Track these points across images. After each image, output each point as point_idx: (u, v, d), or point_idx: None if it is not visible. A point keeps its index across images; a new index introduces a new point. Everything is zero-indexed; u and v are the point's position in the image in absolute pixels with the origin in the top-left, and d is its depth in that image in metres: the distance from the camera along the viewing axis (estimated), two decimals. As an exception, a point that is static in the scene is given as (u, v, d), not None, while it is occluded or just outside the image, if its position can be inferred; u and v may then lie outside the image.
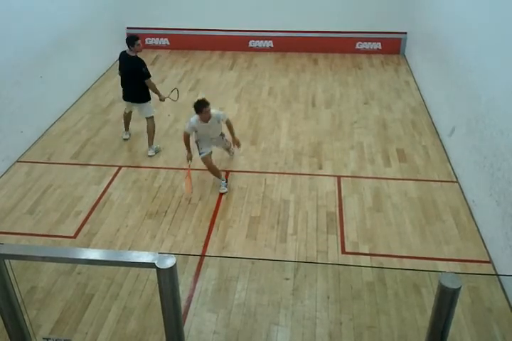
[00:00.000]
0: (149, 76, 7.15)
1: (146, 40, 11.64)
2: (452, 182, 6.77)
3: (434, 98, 8.48)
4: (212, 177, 6.75)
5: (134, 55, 7.12)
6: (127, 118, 7.85)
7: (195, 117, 6.30)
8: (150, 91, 7.29)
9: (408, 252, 5.58)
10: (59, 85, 8.51)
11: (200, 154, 6.56)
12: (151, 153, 7.42)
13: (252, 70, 10.58)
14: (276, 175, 7.00)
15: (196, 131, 6.46)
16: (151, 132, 7.43)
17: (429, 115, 8.51)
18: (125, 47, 7.24)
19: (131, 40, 7.13)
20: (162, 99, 7.51)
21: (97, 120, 8.56)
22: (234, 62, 10.99)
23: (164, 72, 10.46)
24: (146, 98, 7.34)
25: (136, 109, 7.58)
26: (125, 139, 7.88)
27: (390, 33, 11.04)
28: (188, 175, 6.44)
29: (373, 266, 5.41)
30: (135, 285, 5.16)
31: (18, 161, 7.38)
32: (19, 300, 2.28)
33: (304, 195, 6.57)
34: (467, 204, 6.32)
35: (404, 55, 11.18)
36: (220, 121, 6.51)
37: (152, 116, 7.45)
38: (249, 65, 10.88)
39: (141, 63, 7.07)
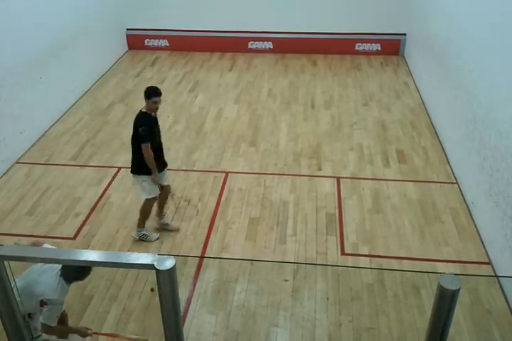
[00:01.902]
0: (146, 140, 5.28)
1: (146, 41, 11.65)
2: (451, 183, 6.77)
3: (434, 99, 8.49)
4: (212, 177, 6.75)
5: (144, 110, 5.45)
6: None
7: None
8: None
9: (407, 253, 5.58)
10: (59, 86, 8.52)
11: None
12: (134, 235, 5.83)
13: (251, 71, 10.58)
14: (276, 176, 7.00)
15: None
16: (141, 212, 5.76)
17: (429, 116, 8.52)
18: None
19: (149, 92, 5.32)
20: (154, 181, 5.50)
21: (96, 121, 8.56)
22: (233, 64, 11.00)
23: (164, 73, 10.47)
24: (142, 170, 5.45)
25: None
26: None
27: (390, 34, 11.05)
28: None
29: (373, 267, 5.41)
30: (134, 287, 5.15)
31: (17, 162, 7.38)
32: (18, 302, 2.27)
33: (303, 196, 6.57)
34: (466, 205, 6.32)
35: (404, 56, 11.18)
36: None
37: (149, 198, 5.65)
38: (248, 66, 10.88)
39: (140, 121, 5.36)
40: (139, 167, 5.44)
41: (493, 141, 5.62)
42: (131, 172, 5.58)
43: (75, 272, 3.85)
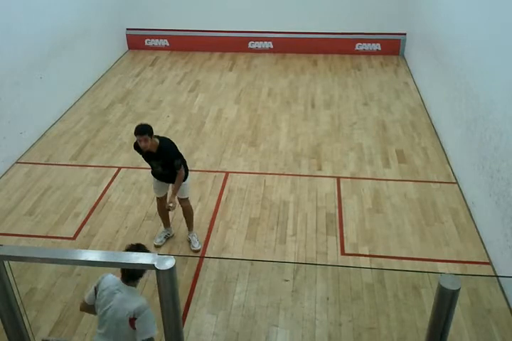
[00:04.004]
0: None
1: (146, 41, 11.65)
2: (452, 183, 6.77)
3: (434, 99, 8.49)
4: (212, 177, 6.74)
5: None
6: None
7: None
8: None
9: (407, 253, 5.58)
10: (58, 86, 8.52)
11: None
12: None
13: (251, 71, 10.58)
14: (276, 176, 7.00)
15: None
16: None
17: (429, 116, 8.52)
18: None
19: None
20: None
21: (96, 121, 8.56)
22: (233, 64, 10.99)
23: (164, 73, 10.47)
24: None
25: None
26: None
27: (390, 34, 11.05)
28: None
29: (373, 267, 5.41)
30: (134, 287, 5.15)
31: (17, 162, 7.38)
32: (18, 302, 2.27)
33: (303, 196, 6.57)
34: (466, 205, 6.32)
35: (404, 56, 11.18)
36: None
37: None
38: (248, 66, 10.88)
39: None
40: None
41: (493, 141, 5.62)
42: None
43: (132, 271, 3.46)
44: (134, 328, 3.43)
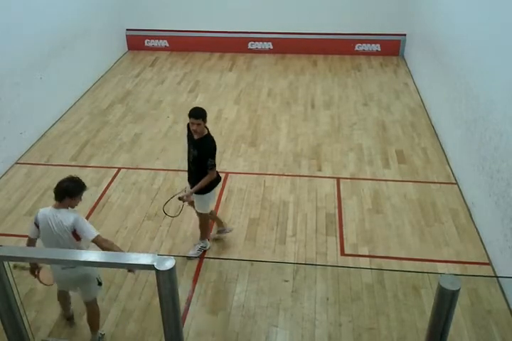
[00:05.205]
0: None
1: (146, 41, 11.66)
2: (451, 183, 6.77)
3: (433, 99, 8.49)
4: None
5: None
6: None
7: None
8: None
9: (407, 254, 5.58)
10: (58, 86, 8.52)
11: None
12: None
13: (251, 72, 10.58)
14: (276, 176, 7.00)
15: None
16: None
17: (428, 116, 8.52)
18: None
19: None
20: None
21: (96, 121, 8.56)
22: (233, 64, 11.00)
23: (164, 74, 10.47)
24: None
25: None
26: None
27: (389, 34, 11.06)
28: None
29: (372, 267, 5.41)
30: (134, 287, 5.15)
31: (17, 163, 7.38)
32: (18, 302, 2.27)
33: (303, 196, 6.57)
34: (466, 205, 6.32)
35: (404, 57, 11.19)
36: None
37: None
38: (248, 66, 10.89)
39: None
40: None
41: (493, 142, 5.62)
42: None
43: (60, 190, 4.04)
44: (79, 239, 4.04)
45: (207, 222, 5.59)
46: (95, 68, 10.17)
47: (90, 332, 4.53)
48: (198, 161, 5.06)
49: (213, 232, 5.88)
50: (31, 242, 4.17)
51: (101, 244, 4.00)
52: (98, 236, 4.01)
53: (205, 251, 5.64)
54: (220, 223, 5.83)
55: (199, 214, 5.47)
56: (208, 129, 5.09)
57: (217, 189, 5.80)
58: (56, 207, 4.07)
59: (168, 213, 5.39)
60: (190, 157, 5.17)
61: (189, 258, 5.54)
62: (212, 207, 5.58)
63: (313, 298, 5.01)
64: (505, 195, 5.18)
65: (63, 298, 4.67)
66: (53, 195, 4.08)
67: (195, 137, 5.01)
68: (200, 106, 5.19)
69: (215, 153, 5.09)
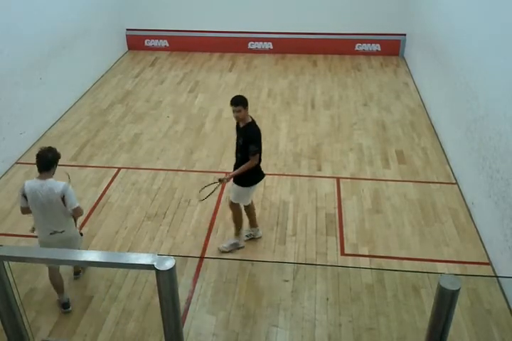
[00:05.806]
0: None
1: (146, 41, 11.66)
2: (451, 183, 6.77)
3: (433, 99, 8.49)
4: (212, 177, 6.74)
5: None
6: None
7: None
8: None
9: (407, 254, 5.58)
10: (58, 87, 8.51)
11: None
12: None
13: (251, 72, 10.58)
14: (276, 176, 6.99)
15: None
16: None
17: (428, 116, 8.52)
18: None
19: None
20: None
21: (96, 121, 8.56)
22: (233, 64, 11.00)
23: (163, 74, 10.47)
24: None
25: None
26: None
27: (389, 34, 11.06)
28: None
29: (372, 267, 5.41)
30: (134, 287, 5.15)
31: (17, 163, 7.38)
32: (18, 302, 2.27)
33: (303, 196, 6.57)
34: (466, 205, 6.32)
35: (404, 57, 11.19)
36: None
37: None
38: (248, 66, 10.89)
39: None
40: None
41: (493, 141, 5.62)
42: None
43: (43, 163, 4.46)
44: (65, 204, 4.48)
45: (240, 214, 5.67)
46: (95, 68, 10.17)
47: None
48: (243, 149, 5.23)
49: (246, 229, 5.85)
50: (25, 210, 4.62)
51: (77, 213, 4.61)
52: (78, 206, 4.56)
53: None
54: (253, 224, 5.80)
55: (232, 205, 5.57)
56: (252, 118, 5.27)
57: (260, 187, 6.10)
58: (42, 177, 4.46)
59: (202, 196, 5.58)
60: (237, 146, 5.37)
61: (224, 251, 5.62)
62: (249, 201, 5.63)
63: (313, 298, 5.01)
64: (505, 195, 5.18)
65: (54, 278, 4.80)
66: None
67: (241, 125, 5.24)
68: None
69: (259, 140, 5.25)
